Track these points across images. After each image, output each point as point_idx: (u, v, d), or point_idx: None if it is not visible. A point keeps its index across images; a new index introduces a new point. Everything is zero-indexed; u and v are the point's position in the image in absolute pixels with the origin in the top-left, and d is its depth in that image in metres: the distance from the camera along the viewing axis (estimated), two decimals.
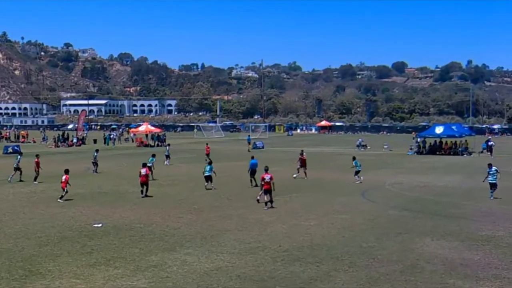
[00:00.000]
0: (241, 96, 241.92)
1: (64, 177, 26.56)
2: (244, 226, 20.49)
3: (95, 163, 39.18)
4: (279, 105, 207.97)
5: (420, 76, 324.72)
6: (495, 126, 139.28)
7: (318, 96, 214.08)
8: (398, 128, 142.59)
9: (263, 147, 69.76)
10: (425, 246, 17.44)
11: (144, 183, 27.75)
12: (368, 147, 70.25)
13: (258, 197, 25.47)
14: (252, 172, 31.71)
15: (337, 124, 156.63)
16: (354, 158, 35.24)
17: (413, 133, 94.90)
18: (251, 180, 31.56)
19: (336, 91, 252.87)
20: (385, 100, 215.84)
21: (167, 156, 46.40)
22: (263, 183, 24.66)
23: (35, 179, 33.24)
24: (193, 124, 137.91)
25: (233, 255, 16.37)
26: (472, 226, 20.75)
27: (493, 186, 27.39)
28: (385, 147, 69.35)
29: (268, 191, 24.29)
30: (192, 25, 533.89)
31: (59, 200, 26.10)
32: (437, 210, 24.38)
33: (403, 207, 25.15)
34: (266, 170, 25.31)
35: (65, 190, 26.35)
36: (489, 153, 58.50)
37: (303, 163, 37.16)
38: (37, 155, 35.44)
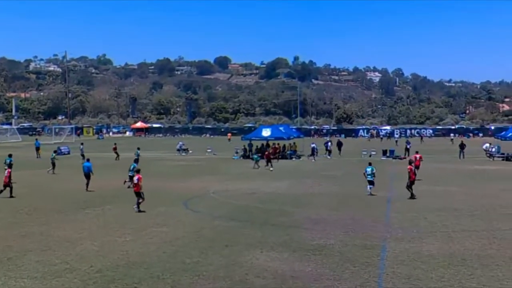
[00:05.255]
0: (42, 94, 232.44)
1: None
2: (48, 245, 19.77)
3: None
4: (88, 104, 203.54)
5: (245, 72, 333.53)
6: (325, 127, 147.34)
7: (132, 93, 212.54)
8: (222, 130, 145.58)
9: (68, 153, 67.89)
10: (254, 259, 17.96)
11: (7, 184, 31.00)
12: (190, 151, 71.01)
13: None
14: (86, 175, 34.22)
15: (155, 125, 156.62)
16: (54, 151, 48.47)
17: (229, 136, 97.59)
18: (86, 184, 34.02)
19: (153, 89, 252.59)
20: (207, 99, 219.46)
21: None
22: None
23: None
24: None
25: (35, 279, 15.75)
26: (303, 235, 21.74)
27: (371, 183, 32.63)
28: (208, 151, 70.50)
29: (136, 193, 26.94)
30: None
31: None
32: (266, 219, 25.23)
33: (229, 217, 25.73)
34: (138, 171, 28.04)
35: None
36: (325, 154, 61.73)
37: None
38: None
